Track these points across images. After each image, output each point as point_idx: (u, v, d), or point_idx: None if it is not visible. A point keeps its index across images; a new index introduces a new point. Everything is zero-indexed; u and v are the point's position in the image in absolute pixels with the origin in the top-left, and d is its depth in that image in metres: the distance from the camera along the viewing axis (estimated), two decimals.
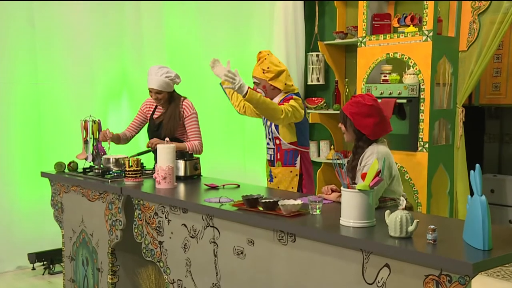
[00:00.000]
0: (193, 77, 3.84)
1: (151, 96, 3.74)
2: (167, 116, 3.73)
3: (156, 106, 3.85)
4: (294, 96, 3.38)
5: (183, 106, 3.75)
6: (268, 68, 3.41)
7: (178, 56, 4.94)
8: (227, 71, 3.15)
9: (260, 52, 3.51)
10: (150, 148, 3.70)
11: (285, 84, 3.41)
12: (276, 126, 3.43)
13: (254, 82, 3.49)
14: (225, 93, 3.74)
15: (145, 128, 4.00)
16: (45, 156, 4.47)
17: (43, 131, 4.53)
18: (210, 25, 5.14)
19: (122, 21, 4.77)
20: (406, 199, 2.81)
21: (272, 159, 3.53)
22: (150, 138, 3.85)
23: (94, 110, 4.35)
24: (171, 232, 2.94)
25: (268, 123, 3.51)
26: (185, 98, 3.81)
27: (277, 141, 3.45)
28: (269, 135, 3.52)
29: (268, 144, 3.55)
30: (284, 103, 3.35)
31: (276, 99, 3.45)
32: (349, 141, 2.83)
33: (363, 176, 2.26)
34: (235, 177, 4.61)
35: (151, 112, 3.88)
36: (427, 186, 4.20)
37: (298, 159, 3.43)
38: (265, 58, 3.45)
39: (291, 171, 3.42)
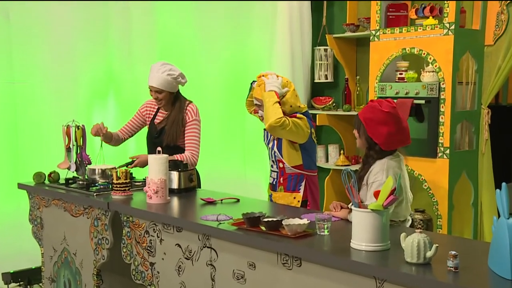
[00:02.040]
0: (187, 76, 3.85)
1: (152, 96, 3.77)
2: (170, 121, 3.76)
3: (158, 109, 3.87)
4: (299, 115, 3.39)
5: (187, 111, 3.77)
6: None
7: (171, 53, 4.95)
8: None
9: (261, 74, 3.51)
10: (133, 160, 3.72)
11: (291, 106, 3.43)
12: (279, 148, 3.45)
13: (256, 104, 3.52)
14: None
15: (141, 134, 4.00)
16: (22, 165, 4.48)
17: (20, 136, 4.54)
18: (206, 18, 5.15)
19: (108, 13, 4.77)
20: (411, 217, 2.88)
21: (274, 183, 3.54)
22: (149, 146, 3.88)
23: (77, 112, 4.37)
24: (164, 252, 2.97)
25: (270, 144, 3.52)
26: (190, 102, 3.84)
27: (281, 164, 3.46)
28: (272, 157, 3.54)
29: (271, 166, 3.57)
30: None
31: None
32: (361, 148, 2.88)
33: (376, 194, 2.29)
34: (235, 186, 4.63)
35: (151, 116, 3.90)
36: (448, 196, 4.22)
37: (303, 184, 3.46)
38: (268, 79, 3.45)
39: (294, 197, 3.44)
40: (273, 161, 3.53)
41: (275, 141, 3.46)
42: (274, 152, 3.47)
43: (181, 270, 2.89)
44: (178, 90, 3.83)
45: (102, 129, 3.67)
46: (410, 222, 2.91)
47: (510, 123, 5.80)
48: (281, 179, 3.48)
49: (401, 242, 2.13)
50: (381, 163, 2.73)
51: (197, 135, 3.77)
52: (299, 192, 3.45)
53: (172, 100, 3.78)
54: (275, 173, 3.53)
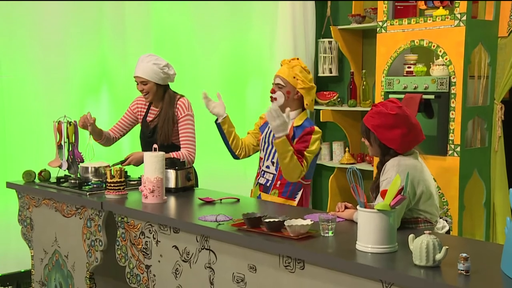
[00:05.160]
0: (184, 67, 3.87)
1: (138, 89, 3.77)
2: (162, 119, 3.75)
3: (149, 106, 3.88)
4: (316, 129, 3.39)
5: (178, 106, 3.77)
6: (302, 78, 3.45)
7: (167, 43, 4.96)
8: (273, 109, 3.19)
9: (294, 58, 3.55)
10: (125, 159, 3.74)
11: (312, 100, 3.49)
12: None
13: (276, 84, 3.47)
14: (223, 135, 3.65)
15: (134, 132, 4.00)
16: (11, 163, 4.47)
17: (8, 133, 4.54)
18: (203, 8, 5.15)
19: (101, 3, 4.78)
20: (449, 224, 2.86)
21: (268, 185, 3.51)
22: (143, 145, 3.89)
23: (69, 108, 4.37)
24: (160, 255, 2.99)
25: (271, 147, 3.49)
26: (182, 96, 3.83)
27: None
28: (271, 158, 3.50)
29: (267, 167, 3.53)
30: (301, 147, 3.36)
31: (292, 114, 3.44)
32: (375, 155, 2.88)
33: (383, 194, 2.30)
34: (234, 185, 4.63)
35: (143, 114, 3.90)
36: (459, 196, 4.24)
37: (300, 193, 3.47)
38: (302, 67, 3.47)
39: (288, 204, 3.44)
40: (272, 162, 3.50)
41: None
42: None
43: (178, 273, 2.91)
44: (168, 85, 3.83)
45: (89, 119, 3.67)
46: (446, 228, 2.87)
47: None
48: (278, 183, 3.48)
49: (409, 244, 2.14)
50: (393, 160, 2.74)
51: (191, 131, 3.76)
52: (294, 200, 3.47)
53: (161, 94, 3.78)
54: (271, 175, 3.51)
